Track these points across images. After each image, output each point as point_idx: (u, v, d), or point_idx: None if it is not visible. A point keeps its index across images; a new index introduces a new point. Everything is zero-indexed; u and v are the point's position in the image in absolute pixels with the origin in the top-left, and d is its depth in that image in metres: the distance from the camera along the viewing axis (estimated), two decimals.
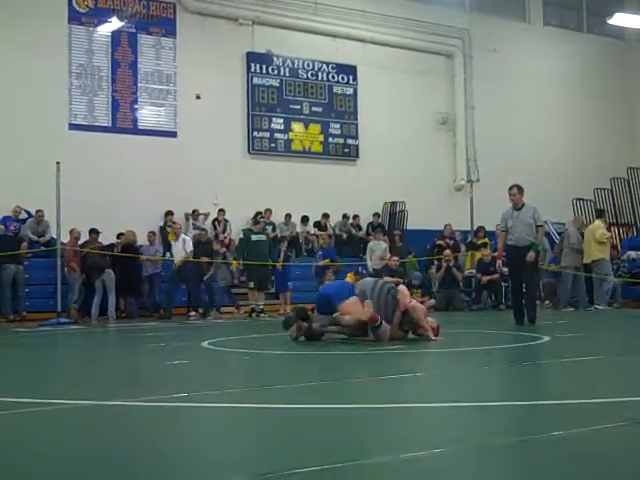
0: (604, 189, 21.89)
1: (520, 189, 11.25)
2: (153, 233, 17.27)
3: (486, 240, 18.35)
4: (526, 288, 11.26)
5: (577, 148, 24.20)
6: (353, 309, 8.49)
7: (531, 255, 10.83)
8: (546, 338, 8.68)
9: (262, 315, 15.76)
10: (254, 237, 16.03)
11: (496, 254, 17.62)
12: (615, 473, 2.87)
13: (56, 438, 3.60)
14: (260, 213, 18.04)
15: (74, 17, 18.19)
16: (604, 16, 24.05)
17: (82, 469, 3.00)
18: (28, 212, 16.75)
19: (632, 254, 18.24)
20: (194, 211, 18.60)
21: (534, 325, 10.83)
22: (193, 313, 15.94)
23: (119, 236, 16.64)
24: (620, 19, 23.54)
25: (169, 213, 18.24)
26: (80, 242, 15.88)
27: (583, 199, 21.82)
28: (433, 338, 8.44)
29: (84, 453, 3.27)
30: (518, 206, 11.18)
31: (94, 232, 15.98)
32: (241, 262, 16.38)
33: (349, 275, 17.02)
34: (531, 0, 24.74)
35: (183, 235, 16.18)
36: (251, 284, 16.00)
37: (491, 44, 22.91)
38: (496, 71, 22.94)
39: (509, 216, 11.27)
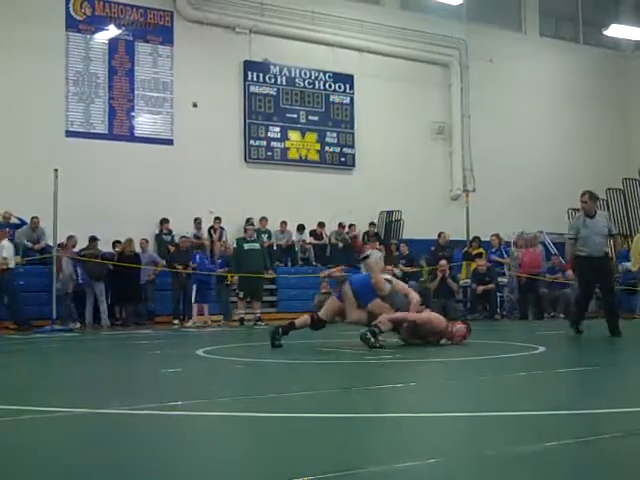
0: (600, 200, 21.93)
1: (592, 196, 10.55)
2: (146, 240, 17.23)
3: (481, 250, 18.37)
4: (607, 299, 10.67)
5: (572, 158, 24.24)
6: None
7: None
8: (542, 348, 8.68)
9: (259, 324, 15.74)
10: (246, 246, 16.02)
11: (490, 264, 17.85)
12: None
13: (52, 446, 3.59)
14: (249, 220, 17.96)
15: (71, 24, 18.21)
16: (600, 27, 24.17)
17: (77, 477, 3.00)
18: (20, 219, 16.72)
19: (627, 265, 18.24)
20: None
21: (620, 336, 10.14)
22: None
23: (115, 244, 16.65)
24: (616, 30, 23.65)
25: (165, 221, 18.23)
26: (77, 249, 15.89)
27: (578, 209, 21.82)
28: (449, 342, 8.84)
29: (79, 461, 3.26)
30: (591, 214, 10.41)
31: (93, 239, 16.01)
32: (234, 275, 16.26)
33: (337, 269, 17.05)
34: (527, 11, 24.83)
35: (4, 241, 15.02)
36: (241, 294, 15.99)
37: (487, 54, 22.98)
38: (492, 81, 23.00)
39: (582, 225, 10.43)
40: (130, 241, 16.53)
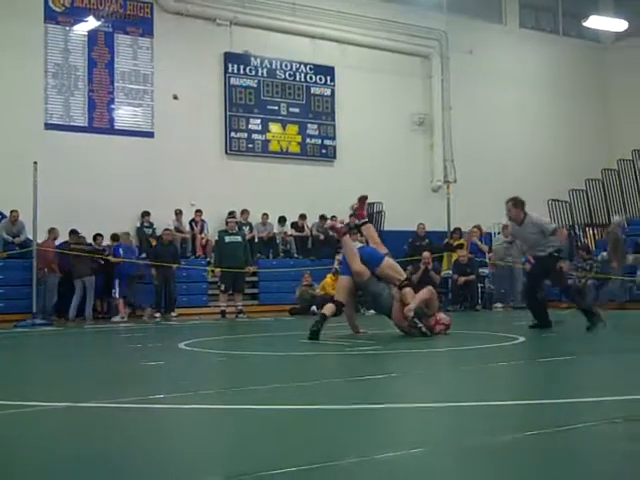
0: (579, 190, 22.09)
1: (517, 203, 10.09)
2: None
3: (462, 241, 18.45)
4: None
5: (552, 149, 24.37)
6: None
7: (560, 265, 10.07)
8: (522, 338, 8.76)
9: (241, 316, 15.77)
10: (228, 238, 16.05)
11: (472, 255, 17.96)
12: (592, 472, 2.92)
13: (33, 440, 3.60)
14: (232, 213, 17.95)
15: (50, 16, 18.06)
16: (579, 18, 24.25)
17: (58, 470, 3.01)
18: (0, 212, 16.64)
19: (606, 255, 18.38)
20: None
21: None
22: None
23: (95, 237, 16.60)
24: (595, 22, 23.73)
25: (146, 214, 18.17)
26: (58, 242, 15.83)
27: (558, 200, 21.99)
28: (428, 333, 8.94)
29: (60, 454, 3.27)
30: (518, 221, 10.05)
31: (74, 233, 15.96)
32: (215, 269, 16.25)
33: (329, 276, 17.15)
34: (507, 2, 24.88)
35: None
36: (222, 286, 16.02)
37: (468, 46, 23.01)
38: (473, 72, 23.05)
39: (515, 232, 10.52)
40: (126, 234, 16.65)
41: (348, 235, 9.73)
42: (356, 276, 9.19)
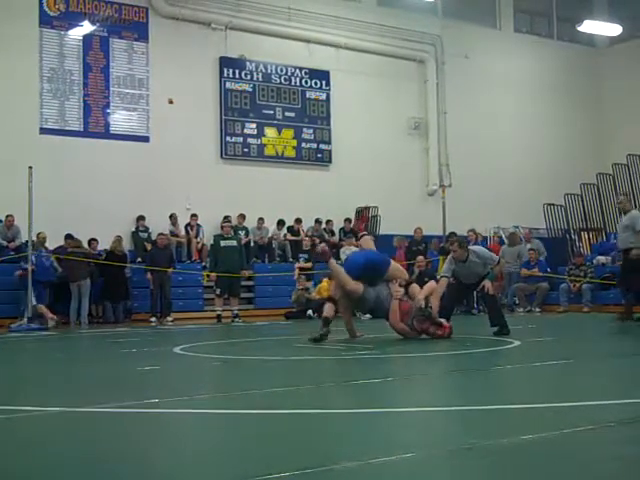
0: (574, 194, 22.12)
1: (461, 245, 10.10)
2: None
3: None
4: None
5: (548, 153, 24.43)
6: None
7: (487, 285, 10.03)
8: (517, 342, 8.76)
9: (237, 320, 15.76)
10: (223, 243, 16.06)
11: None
12: (588, 475, 2.92)
13: (27, 445, 3.59)
14: (227, 217, 17.99)
15: (45, 21, 18.05)
16: (574, 23, 24.31)
17: (52, 475, 3.00)
18: None
19: (601, 259, 18.44)
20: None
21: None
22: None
23: (90, 242, 16.60)
24: (589, 26, 23.80)
25: (141, 218, 18.16)
26: (53, 247, 15.82)
27: (554, 204, 22.02)
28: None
29: (54, 460, 3.27)
30: (462, 259, 9.93)
31: (70, 237, 15.95)
32: (211, 274, 16.27)
33: (325, 280, 17.20)
34: (502, 7, 24.95)
35: None
36: (218, 290, 16.03)
37: (463, 50, 23.06)
38: (468, 77, 23.11)
39: (456, 267, 10.05)
40: (120, 239, 16.66)
41: (333, 260, 9.87)
42: (352, 294, 9.26)
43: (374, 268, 9.38)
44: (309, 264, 18.30)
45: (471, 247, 10.48)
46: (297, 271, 17.94)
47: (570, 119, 25.03)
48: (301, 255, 18.49)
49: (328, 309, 9.35)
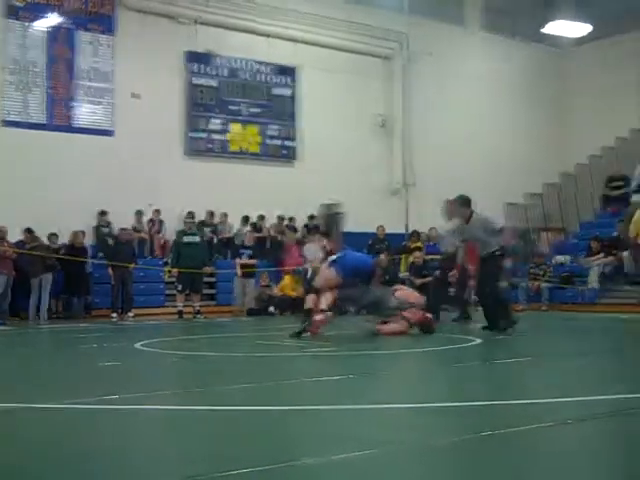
0: (536, 194, 22.34)
1: (463, 202, 10.88)
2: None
3: (419, 244, 18.56)
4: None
5: (511, 153, 24.54)
6: None
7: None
8: (478, 340, 8.85)
9: (198, 316, 15.71)
10: (186, 239, 16.02)
11: (428, 257, 18.10)
12: (544, 471, 2.98)
13: None
14: (191, 213, 17.88)
15: (11, 11, 17.81)
16: (541, 22, 24.47)
17: (5, 472, 2.99)
18: None
19: (560, 258, 18.69)
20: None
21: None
22: None
23: (50, 237, 16.42)
24: (554, 27, 23.96)
25: (103, 213, 18.02)
26: (13, 241, 15.61)
27: (515, 203, 22.23)
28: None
29: (7, 457, 3.25)
30: (465, 218, 10.57)
31: (29, 231, 15.75)
32: (172, 269, 16.20)
33: (287, 277, 17.21)
34: (469, 5, 25.05)
35: None
36: (179, 286, 15.98)
37: (429, 47, 23.08)
38: (433, 74, 23.16)
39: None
40: (79, 233, 16.50)
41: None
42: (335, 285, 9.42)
43: (361, 267, 9.83)
44: (253, 260, 17.83)
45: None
46: (238, 267, 17.38)
47: (533, 119, 25.22)
48: (243, 251, 18.00)
49: (310, 301, 9.39)
